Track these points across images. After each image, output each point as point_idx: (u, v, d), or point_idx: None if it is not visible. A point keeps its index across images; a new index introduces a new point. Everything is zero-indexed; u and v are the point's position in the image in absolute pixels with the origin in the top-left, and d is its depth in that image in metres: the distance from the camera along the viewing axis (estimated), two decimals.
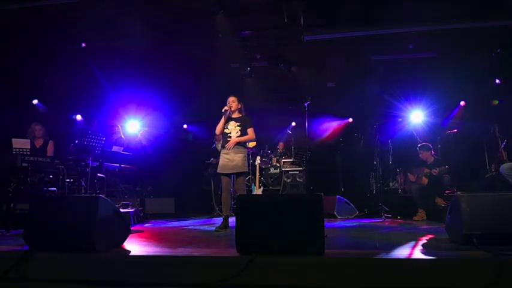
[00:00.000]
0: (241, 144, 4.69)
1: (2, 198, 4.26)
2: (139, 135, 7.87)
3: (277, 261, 2.43)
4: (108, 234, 2.86)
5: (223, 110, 4.73)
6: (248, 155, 5.54)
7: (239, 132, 4.68)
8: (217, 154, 7.38)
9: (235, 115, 4.82)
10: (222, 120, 4.73)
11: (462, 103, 8.48)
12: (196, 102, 9.26)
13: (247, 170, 4.77)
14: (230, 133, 4.69)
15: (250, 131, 4.72)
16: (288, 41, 7.09)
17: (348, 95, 9.26)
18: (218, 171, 4.71)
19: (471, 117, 7.59)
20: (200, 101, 8.93)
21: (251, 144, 6.26)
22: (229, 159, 4.62)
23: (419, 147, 6.41)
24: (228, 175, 4.67)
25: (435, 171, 5.90)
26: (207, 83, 8.49)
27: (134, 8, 6.23)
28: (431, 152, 6.32)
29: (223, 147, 4.73)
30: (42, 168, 4.44)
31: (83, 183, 4.65)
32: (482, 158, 6.59)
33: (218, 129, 4.76)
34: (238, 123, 4.72)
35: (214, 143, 7.65)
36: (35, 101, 8.58)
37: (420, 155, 6.28)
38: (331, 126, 10.02)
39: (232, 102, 4.78)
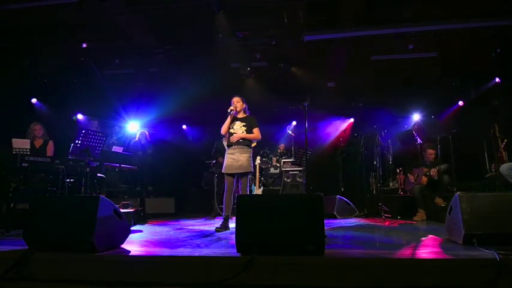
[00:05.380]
0: (246, 144, 4.68)
1: (2, 198, 4.26)
2: (138, 135, 7.87)
3: (277, 261, 2.43)
4: (108, 234, 2.86)
5: (229, 110, 4.73)
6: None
7: (245, 133, 4.69)
8: (223, 151, 7.39)
9: (241, 115, 4.83)
10: (228, 120, 4.73)
11: (460, 103, 8.49)
12: (196, 102, 9.28)
13: (252, 170, 4.77)
14: (236, 133, 4.69)
15: (255, 130, 4.73)
16: (288, 41, 7.08)
17: (348, 95, 9.27)
18: (223, 171, 4.70)
19: (471, 117, 7.59)
20: (200, 101, 8.94)
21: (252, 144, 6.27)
22: (235, 159, 4.61)
23: (427, 145, 6.44)
24: (233, 175, 4.66)
25: (434, 171, 5.91)
26: (207, 83, 8.49)
27: (134, 8, 6.22)
28: (435, 152, 6.35)
29: (228, 147, 4.73)
30: (42, 168, 4.44)
31: (83, 183, 4.64)
32: (482, 158, 6.59)
33: (224, 129, 4.77)
34: (243, 123, 4.72)
35: (222, 137, 7.61)
36: (34, 100, 8.58)
37: (428, 154, 6.28)
38: (331, 126, 10.03)
39: (237, 102, 4.79)
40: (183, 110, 9.72)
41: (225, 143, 7.49)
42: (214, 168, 7.38)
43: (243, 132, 4.68)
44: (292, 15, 6.36)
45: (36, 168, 4.37)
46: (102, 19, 6.41)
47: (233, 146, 4.67)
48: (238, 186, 4.71)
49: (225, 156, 4.74)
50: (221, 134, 5.23)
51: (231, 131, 4.72)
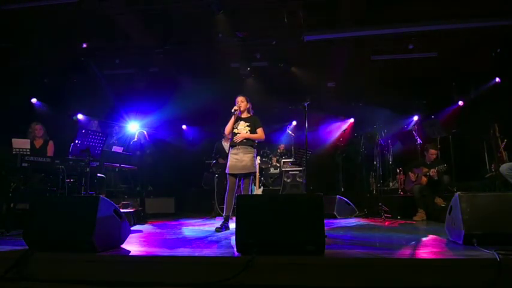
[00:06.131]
0: (250, 144, 4.67)
1: (2, 198, 4.26)
2: (137, 135, 7.87)
3: (277, 261, 2.43)
4: (108, 234, 2.87)
5: (233, 110, 4.71)
6: None
7: (249, 133, 4.68)
8: (222, 152, 7.40)
9: (244, 115, 4.82)
10: (232, 120, 4.72)
11: (460, 103, 8.49)
12: (196, 103, 9.27)
13: (255, 171, 4.77)
14: (239, 133, 4.68)
15: (259, 130, 4.72)
16: (288, 41, 7.08)
17: (348, 95, 9.27)
18: (227, 171, 4.69)
19: (471, 117, 7.59)
20: (200, 101, 8.93)
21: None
22: (239, 159, 4.60)
23: (429, 145, 6.45)
24: (235, 176, 4.66)
25: (433, 171, 5.91)
26: (207, 83, 8.49)
27: (134, 8, 6.23)
28: (437, 153, 6.35)
29: (232, 147, 4.73)
30: (42, 168, 4.44)
31: (83, 183, 4.64)
32: (482, 158, 6.59)
33: (227, 129, 4.75)
34: (247, 123, 4.71)
35: (222, 138, 7.58)
36: (34, 100, 8.59)
37: (430, 154, 6.29)
38: (331, 126, 10.02)
39: (241, 102, 4.77)
40: (183, 110, 9.72)
41: (224, 144, 7.52)
42: (215, 169, 7.37)
43: (246, 132, 4.67)
44: (292, 15, 6.36)
45: (36, 168, 4.37)
46: (102, 19, 6.41)
47: (237, 146, 4.66)
48: (240, 187, 4.70)
49: (229, 156, 4.72)
50: (220, 135, 5.26)
51: (235, 131, 4.71)
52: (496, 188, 5.39)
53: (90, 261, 2.59)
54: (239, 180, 4.70)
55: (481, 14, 6.19)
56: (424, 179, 6.07)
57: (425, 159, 6.39)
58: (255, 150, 4.77)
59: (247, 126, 4.69)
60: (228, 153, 4.84)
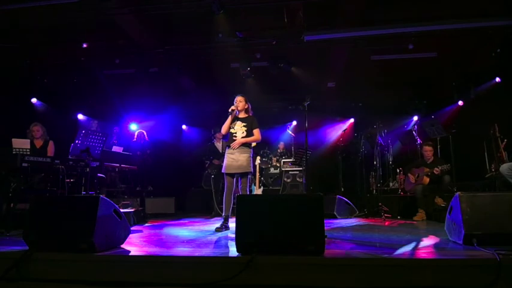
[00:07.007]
0: (246, 145, 4.67)
1: (2, 198, 4.26)
2: (136, 135, 7.88)
3: (277, 261, 2.43)
4: (108, 234, 2.86)
5: (230, 110, 4.70)
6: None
7: (245, 133, 4.65)
8: (215, 153, 7.43)
9: (242, 115, 4.80)
10: (229, 120, 4.71)
11: (460, 103, 8.49)
12: (196, 102, 9.28)
13: (251, 171, 4.74)
14: (236, 133, 4.66)
15: (256, 131, 4.70)
16: (288, 41, 7.08)
17: (348, 95, 9.27)
18: (223, 171, 4.69)
19: (471, 117, 7.59)
20: (200, 101, 8.93)
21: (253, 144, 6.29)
22: (234, 159, 4.60)
23: (425, 143, 6.43)
24: (232, 175, 4.66)
25: (437, 169, 5.89)
26: (207, 83, 8.48)
27: (134, 8, 6.23)
28: (432, 150, 6.34)
29: (228, 146, 4.72)
30: (42, 168, 4.44)
31: (83, 183, 4.64)
32: (482, 158, 6.59)
33: (224, 128, 4.74)
34: (244, 124, 4.70)
35: (213, 139, 7.62)
36: (34, 100, 8.60)
37: (424, 151, 6.29)
38: (331, 126, 10.03)
39: (240, 102, 4.75)
40: (183, 110, 9.72)
41: (217, 144, 7.54)
42: (210, 170, 7.40)
43: (243, 132, 4.67)
44: (292, 15, 6.36)
45: (36, 168, 4.37)
46: (102, 19, 6.41)
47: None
48: (238, 186, 4.70)
49: (225, 156, 4.73)
50: (212, 136, 5.21)
51: (232, 130, 4.70)
52: (496, 188, 5.39)
53: (90, 261, 2.59)
54: (237, 180, 4.70)
55: (481, 14, 6.19)
56: (427, 179, 6.04)
57: (425, 159, 6.38)
58: (252, 150, 4.76)
59: (244, 126, 4.68)
60: (221, 152, 4.83)
